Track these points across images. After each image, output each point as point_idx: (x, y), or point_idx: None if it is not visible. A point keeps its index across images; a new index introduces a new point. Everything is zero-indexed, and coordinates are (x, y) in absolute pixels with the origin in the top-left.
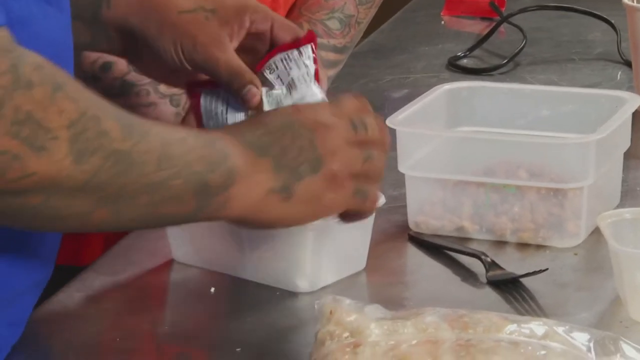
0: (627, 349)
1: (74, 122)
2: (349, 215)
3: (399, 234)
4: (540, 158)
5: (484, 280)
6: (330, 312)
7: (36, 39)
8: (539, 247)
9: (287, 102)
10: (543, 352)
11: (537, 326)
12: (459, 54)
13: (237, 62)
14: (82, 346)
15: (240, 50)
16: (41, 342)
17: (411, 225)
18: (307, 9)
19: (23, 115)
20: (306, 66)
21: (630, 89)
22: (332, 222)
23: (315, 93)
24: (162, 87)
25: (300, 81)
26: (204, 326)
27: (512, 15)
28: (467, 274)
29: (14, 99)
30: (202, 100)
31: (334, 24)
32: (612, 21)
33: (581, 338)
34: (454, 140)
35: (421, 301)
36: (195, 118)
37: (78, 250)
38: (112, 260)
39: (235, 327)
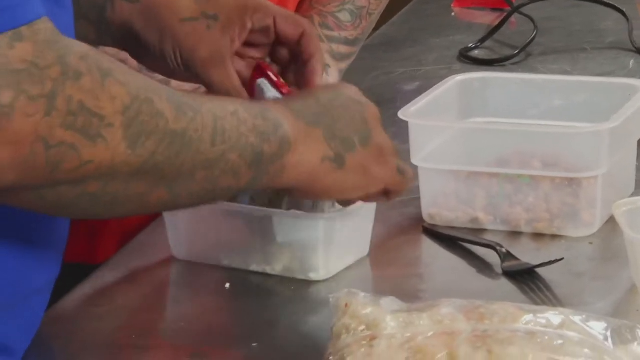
0: None
1: (128, 107)
2: (388, 192)
3: (413, 226)
4: (554, 148)
5: (500, 271)
6: (346, 305)
7: None
8: (554, 237)
9: None
10: (560, 341)
11: (553, 316)
12: (471, 45)
13: (231, 83)
14: (98, 344)
15: (246, 45)
16: (57, 340)
17: (425, 218)
18: (317, 2)
19: (75, 105)
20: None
21: None
22: (340, 210)
23: None
24: (174, 83)
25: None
26: (220, 322)
27: (523, 5)
28: (482, 265)
29: (65, 90)
30: (256, 87)
31: (344, 16)
32: (624, 9)
33: (598, 327)
34: (467, 132)
35: (437, 293)
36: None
37: (92, 248)
38: (127, 257)
39: (251, 322)
